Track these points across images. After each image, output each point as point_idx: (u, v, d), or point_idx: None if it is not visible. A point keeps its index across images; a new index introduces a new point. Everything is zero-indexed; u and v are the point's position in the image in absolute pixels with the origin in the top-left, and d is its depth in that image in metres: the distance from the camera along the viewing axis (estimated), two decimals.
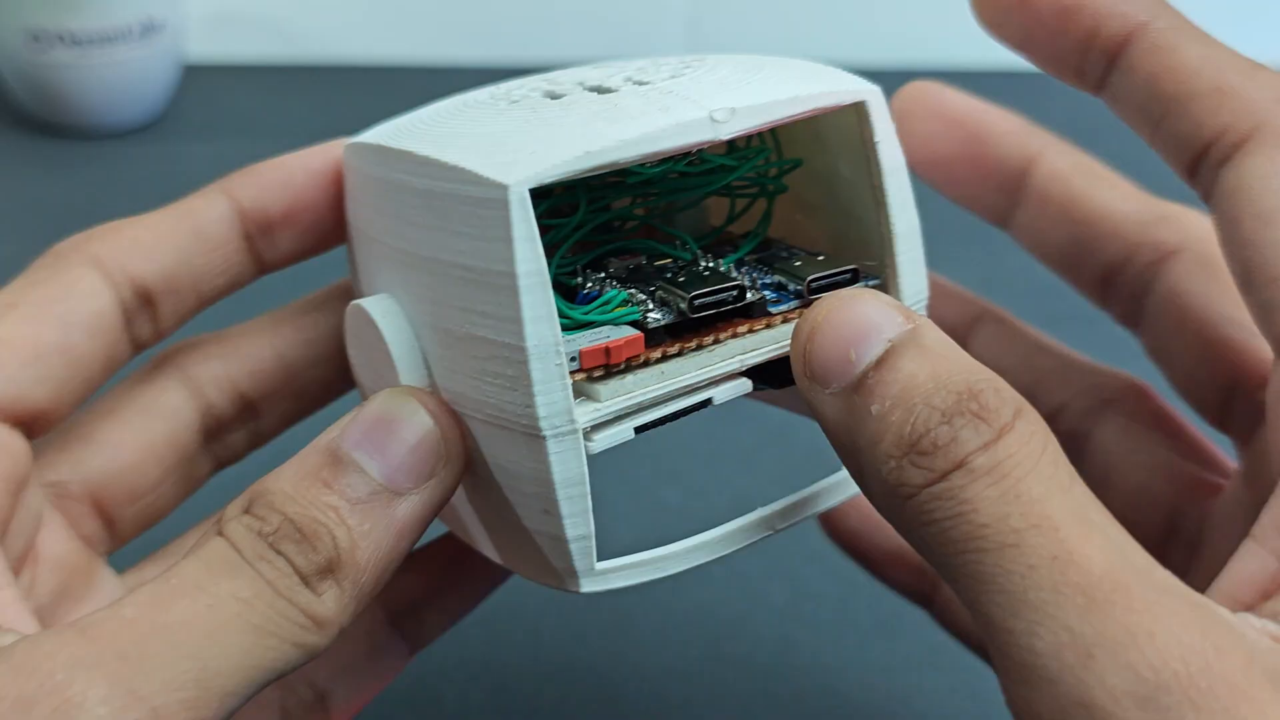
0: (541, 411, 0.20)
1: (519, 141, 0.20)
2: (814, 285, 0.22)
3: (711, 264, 0.23)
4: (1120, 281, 0.26)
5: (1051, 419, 0.26)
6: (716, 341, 0.22)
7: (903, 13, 0.74)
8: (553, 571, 0.22)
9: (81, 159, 0.62)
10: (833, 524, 0.29)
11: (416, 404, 0.21)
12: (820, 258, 0.23)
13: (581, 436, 0.20)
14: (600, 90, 0.22)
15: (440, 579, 0.27)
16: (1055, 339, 0.28)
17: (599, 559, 0.21)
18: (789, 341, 0.21)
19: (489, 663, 0.34)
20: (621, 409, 0.21)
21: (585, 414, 0.20)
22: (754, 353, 0.22)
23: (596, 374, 0.21)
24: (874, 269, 0.23)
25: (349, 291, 0.26)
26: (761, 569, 0.37)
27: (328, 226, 0.25)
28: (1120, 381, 0.27)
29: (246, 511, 0.20)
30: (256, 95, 0.69)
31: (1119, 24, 0.22)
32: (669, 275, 0.23)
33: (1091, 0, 0.22)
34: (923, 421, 0.18)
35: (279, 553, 0.19)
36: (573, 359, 0.20)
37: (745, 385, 0.22)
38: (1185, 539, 0.25)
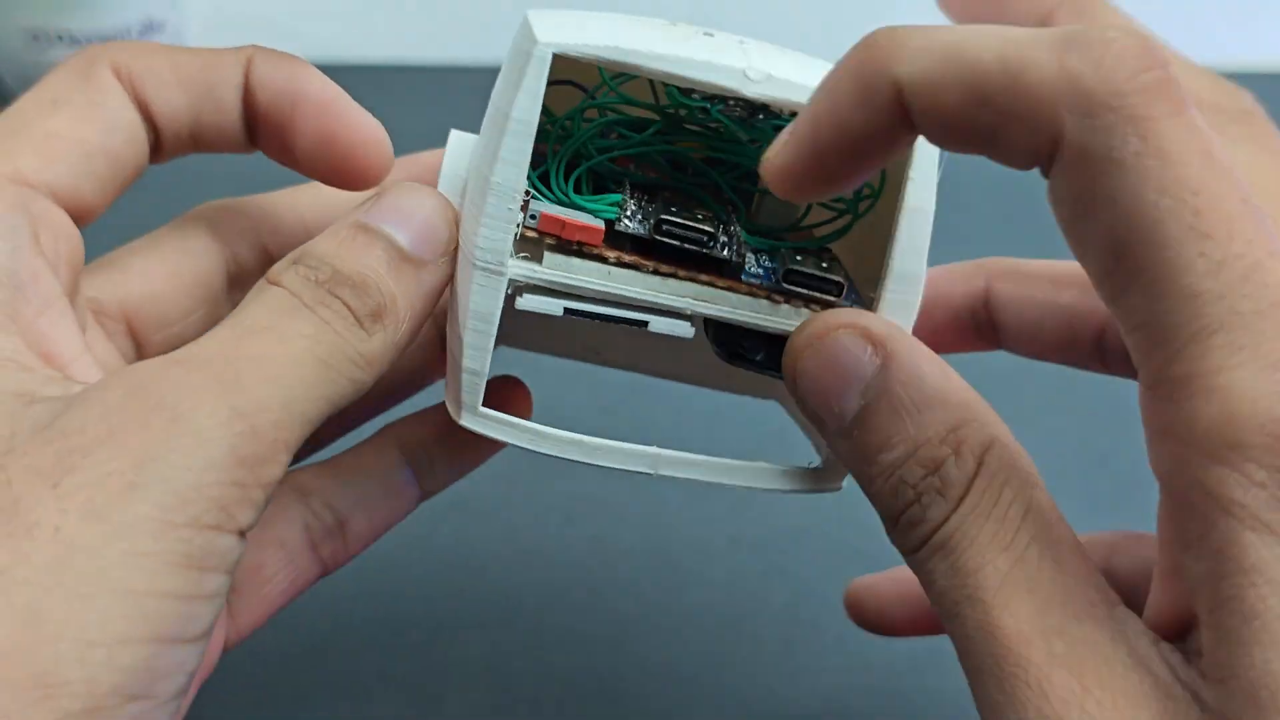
0: (481, 243, 0.22)
1: (595, 32, 0.22)
2: (789, 275, 0.23)
3: (732, 229, 0.24)
4: (1112, 344, 0.28)
5: (1101, 337, 0.28)
6: (674, 275, 0.23)
7: (904, 14, 0.74)
8: (453, 399, 0.23)
9: None
10: (856, 612, 0.31)
11: (425, 191, 0.23)
12: (825, 265, 0.23)
13: (506, 281, 0.22)
14: (710, 35, 0.23)
15: (447, 432, 0.28)
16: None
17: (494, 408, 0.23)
18: (745, 312, 0.23)
19: (489, 662, 0.34)
20: (559, 283, 0.22)
21: (520, 267, 0.22)
22: (707, 304, 0.23)
23: (550, 243, 0.22)
24: (871, 300, 0.23)
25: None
26: (761, 569, 0.37)
27: (321, 168, 0.26)
28: None
29: (295, 263, 0.22)
30: None
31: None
32: (673, 207, 0.23)
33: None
34: (902, 500, 0.21)
35: (336, 296, 0.21)
36: (533, 216, 0.22)
37: (685, 328, 0.23)
38: None
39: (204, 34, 0.68)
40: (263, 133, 0.25)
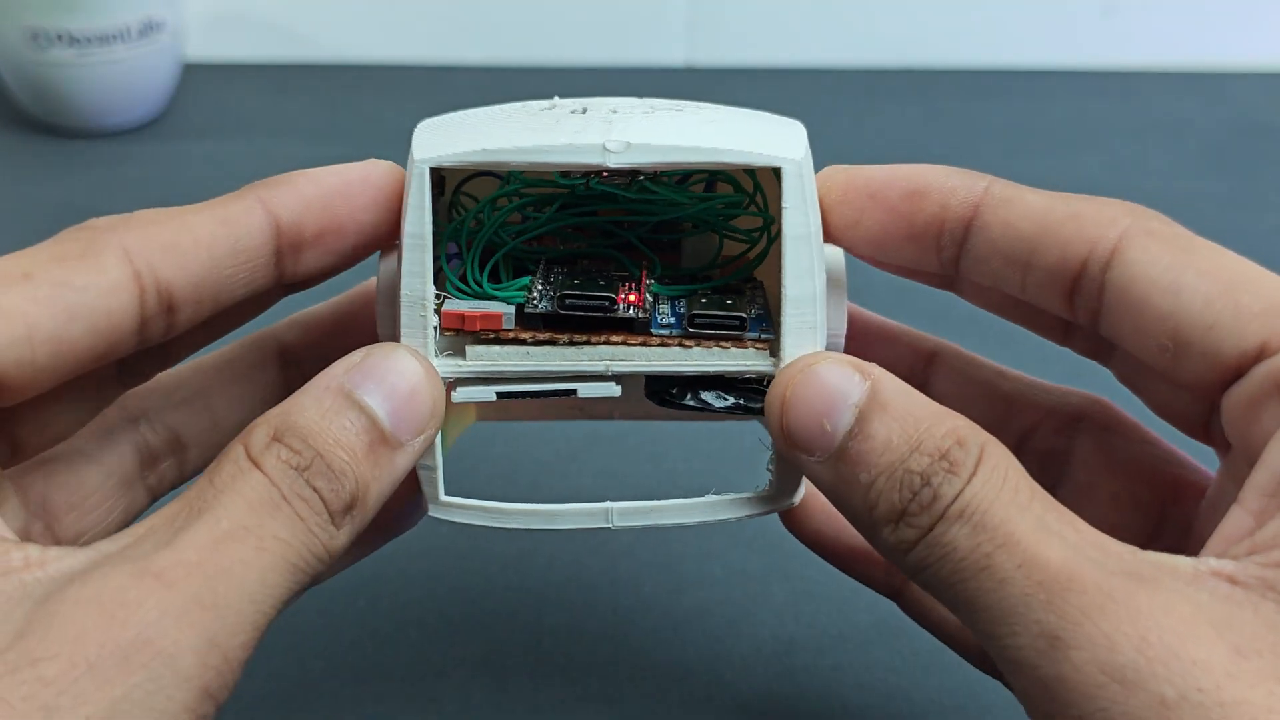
0: None
1: (471, 133, 0.24)
2: (693, 320, 0.25)
3: (619, 283, 0.25)
4: (1033, 448, 0.28)
5: (1025, 439, 0.28)
6: (588, 343, 0.24)
7: (903, 13, 0.74)
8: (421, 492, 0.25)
9: (81, 159, 0.62)
10: (797, 525, 0.30)
11: (412, 358, 0.23)
12: (729, 301, 0.25)
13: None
14: (582, 111, 0.25)
15: None
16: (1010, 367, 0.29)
17: (460, 496, 0.25)
18: (660, 361, 0.24)
19: (489, 662, 0.34)
20: (484, 372, 0.24)
21: (446, 366, 0.24)
22: (624, 362, 0.24)
23: (470, 336, 0.24)
24: (768, 325, 0.25)
25: (268, 343, 0.29)
26: (762, 569, 0.37)
27: (353, 247, 0.25)
28: (1083, 398, 0.28)
29: (277, 440, 0.21)
30: (256, 95, 0.69)
31: (964, 194, 0.24)
32: (579, 279, 0.25)
33: (934, 181, 0.24)
34: (908, 488, 0.21)
35: (314, 489, 0.21)
36: (437, 315, 0.24)
37: (612, 388, 0.25)
38: (1176, 534, 0.26)
39: (204, 34, 0.68)
40: (301, 255, 0.25)
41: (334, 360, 0.25)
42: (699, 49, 0.73)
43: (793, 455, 0.23)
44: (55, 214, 0.57)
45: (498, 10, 0.73)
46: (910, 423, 0.22)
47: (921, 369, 0.30)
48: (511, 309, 0.24)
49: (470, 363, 0.24)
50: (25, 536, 0.25)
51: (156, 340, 0.24)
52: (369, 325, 0.27)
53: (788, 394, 0.23)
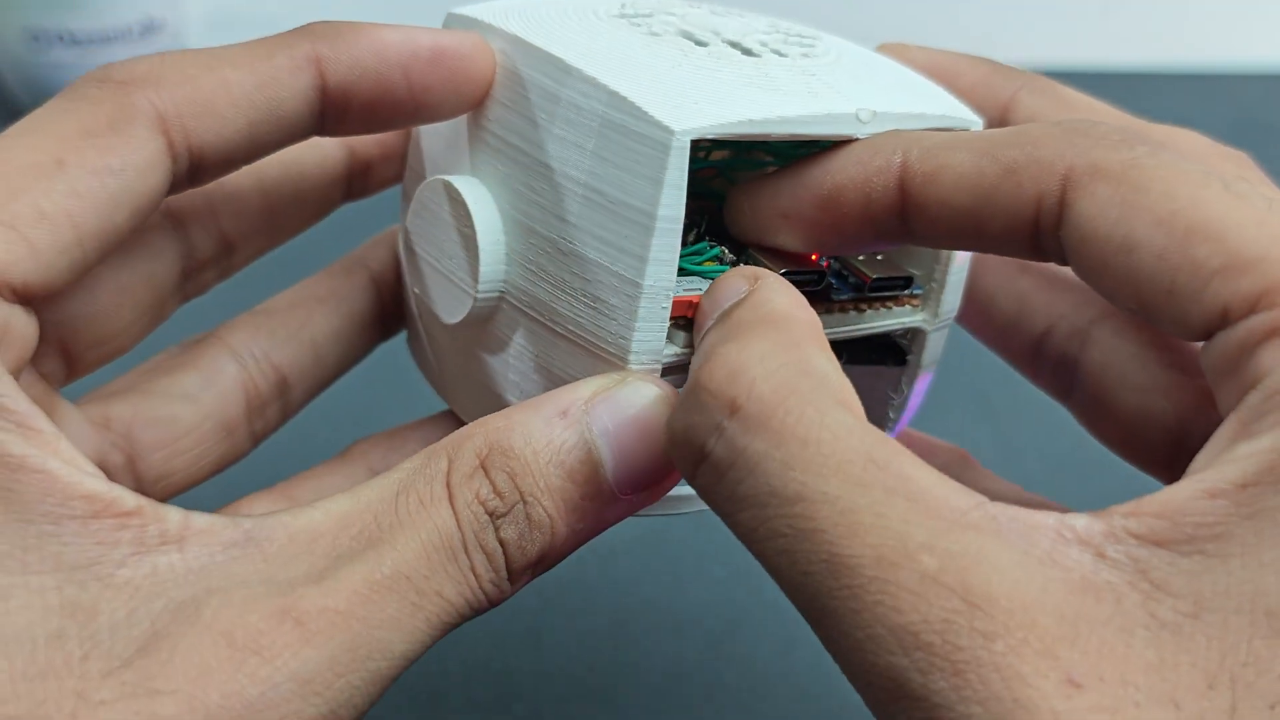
0: (635, 346, 0.21)
1: (683, 88, 0.21)
2: (875, 283, 0.24)
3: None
4: (1048, 351, 0.26)
5: (1040, 341, 0.26)
6: None
7: (903, 13, 0.74)
8: None
9: None
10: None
11: (660, 399, 0.20)
12: (879, 258, 0.25)
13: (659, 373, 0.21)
14: (742, 49, 0.23)
15: None
16: None
17: None
18: (848, 327, 0.23)
19: (489, 663, 0.34)
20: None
21: (668, 354, 0.21)
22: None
23: (680, 321, 0.22)
24: (923, 279, 0.25)
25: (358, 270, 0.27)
26: (762, 569, 0.37)
27: (403, 117, 0.23)
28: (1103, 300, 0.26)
29: (483, 469, 0.19)
30: None
31: (882, 179, 0.21)
32: (761, 251, 0.24)
33: (844, 179, 0.22)
34: (675, 418, 0.18)
35: (500, 541, 0.19)
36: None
37: None
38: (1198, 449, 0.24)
39: (204, 34, 0.68)
40: (347, 117, 0.22)
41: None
42: None
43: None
44: None
45: None
46: (726, 329, 0.19)
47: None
48: None
49: (686, 349, 0.22)
50: (100, 465, 0.22)
51: (183, 199, 0.23)
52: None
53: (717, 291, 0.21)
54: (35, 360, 0.22)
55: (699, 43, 0.23)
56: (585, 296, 0.21)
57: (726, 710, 0.33)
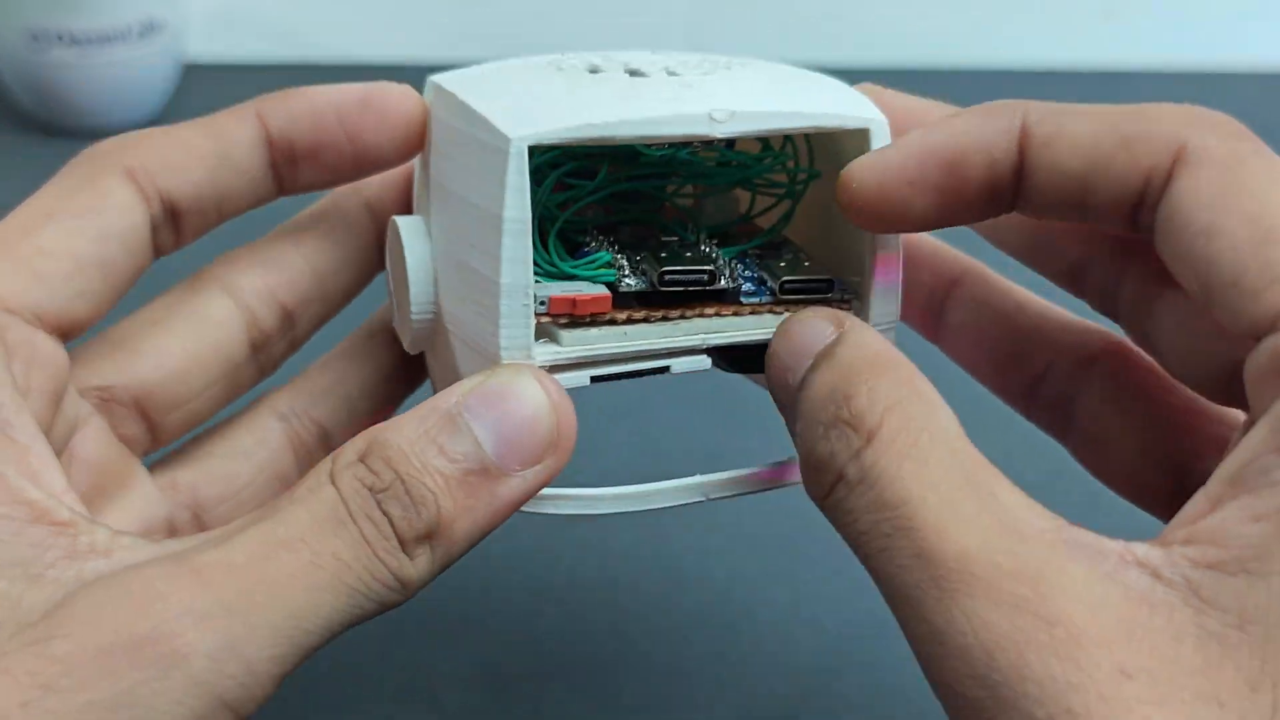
0: (503, 342, 0.22)
1: (543, 104, 0.22)
2: (786, 286, 0.24)
3: (707, 249, 0.25)
4: (1044, 391, 0.27)
5: (1038, 382, 0.27)
6: (682, 317, 0.23)
7: (902, 13, 0.74)
8: None
9: None
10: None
11: (537, 385, 0.22)
12: (806, 263, 0.25)
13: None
14: (634, 73, 0.24)
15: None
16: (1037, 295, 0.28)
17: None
18: (754, 331, 0.24)
19: (489, 663, 0.34)
20: (581, 357, 0.23)
21: (545, 353, 0.23)
22: (718, 334, 0.24)
23: (563, 321, 0.23)
24: (856, 285, 0.25)
25: (353, 200, 0.28)
26: (762, 569, 0.37)
27: (347, 163, 0.25)
28: (1102, 338, 0.27)
29: (361, 460, 0.21)
30: (256, 95, 0.69)
31: (1006, 145, 0.22)
32: (659, 250, 0.24)
33: (971, 143, 0.23)
34: (813, 437, 0.20)
35: (385, 513, 0.20)
36: (542, 303, 0.23)
37: (704, 362, 0.24)
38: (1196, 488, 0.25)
39: (204, 34, 0.68)
40: (296, 167, 0.25)
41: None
42: (699, 49, 0.73)
43: (780, 412, 0.22)
44: None
45: (498, 11, 0.73)
46: (843, 371, 0.21)
47: (940, 297, 0.28)
48: (605, 291, 0.23)
49: (567, 349, 0.23)
50: (169, 526, 0.25)
51: (170, 248, 0.25)
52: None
53: (771, 349, 0.22)
54: (114, 423, 0.25)
55: (594, 71, 0.24)
56: (473, 303, 0.23)
57: (727, 710, 0.33)
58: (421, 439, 0.21)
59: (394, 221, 0.25)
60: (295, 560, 0.19)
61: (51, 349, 0.23)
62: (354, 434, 0.28)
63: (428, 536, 0.21)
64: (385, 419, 0.28)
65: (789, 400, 0.22)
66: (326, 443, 0.28)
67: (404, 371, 0.29)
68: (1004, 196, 0.23)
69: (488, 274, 0.22)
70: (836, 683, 0.34)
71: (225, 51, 0.71)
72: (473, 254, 0.23)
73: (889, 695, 0.34)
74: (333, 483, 0.20)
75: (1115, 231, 0.23)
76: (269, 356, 0.27)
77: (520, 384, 0.22)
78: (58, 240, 0.23)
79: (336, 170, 0.26)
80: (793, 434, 0.22)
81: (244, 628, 0.19)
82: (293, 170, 0.25)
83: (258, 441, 0.27)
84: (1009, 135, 0.22)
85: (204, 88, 0.68)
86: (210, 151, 0.24)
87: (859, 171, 0.23)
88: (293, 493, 0.21)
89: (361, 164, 0.25)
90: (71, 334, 0.24)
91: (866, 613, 0.36)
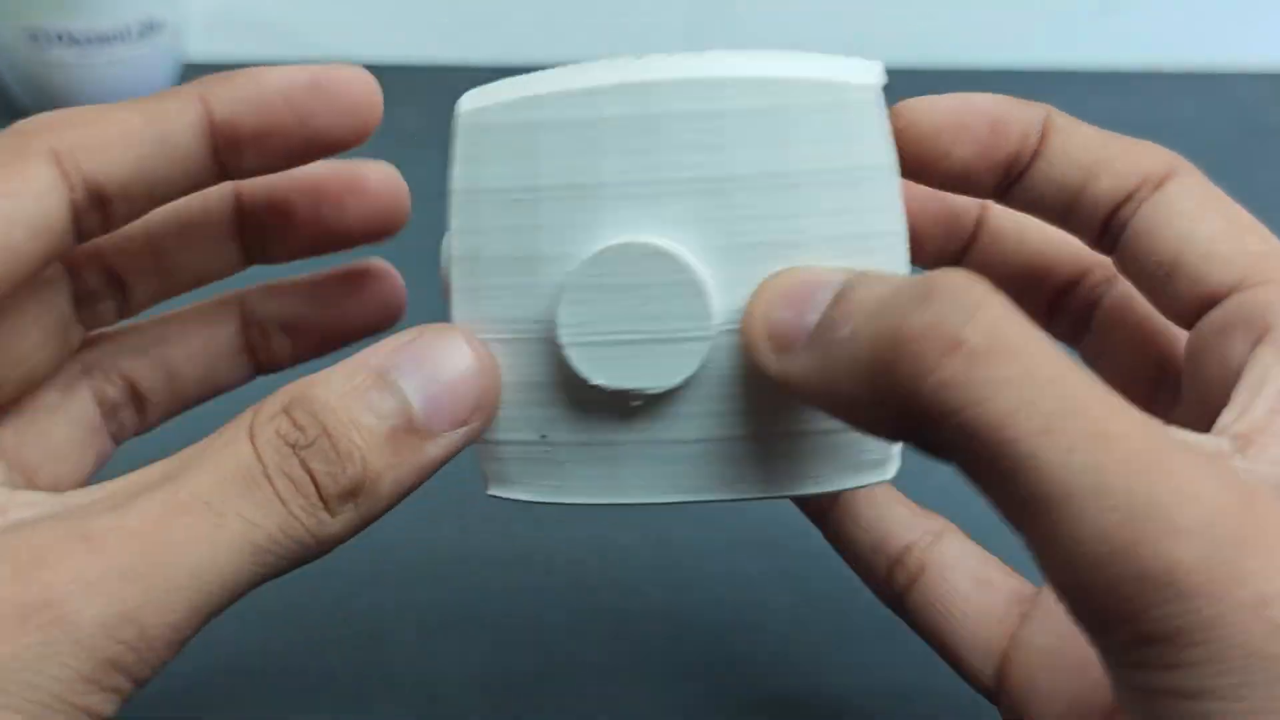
0: (455, 316, 0.23)
1: (525, 84, 0.23)
2: None
3: None
4: (1067, 304, 0.28)
5: (1059, 296, 0.28)
6: None
7: (903, 12, 0.74)
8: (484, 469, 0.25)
9: None
10: (830, 517, 0.29)
11: (464, 345, 0.22)
12: None
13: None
14: (633, 58, 0.24)
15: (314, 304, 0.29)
16: None
17: None
18: None
19: (489, 663, 0.34)
20: None
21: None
22: None
23: None
24: None
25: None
26: (762, 569, 0.37)
27: (296, 148, 0.24)
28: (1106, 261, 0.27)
29: (285, 412, 0.20)
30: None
31: (1037, 123, 0.24)
32: None
33: (1012, 111, 0.24)
34: (897, 315, 0.18)
35: (308, 470, 0.20)
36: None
37: None
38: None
39: (204, 34, 0.68)
40: (241, 153, 0.24)
41: (297, 326, 0.27)
42: (699, 49, 0.73)
43: (770, 361, 0.21)
44: None
45: (497, 10, 0.73)
46: (898, 280, 0.19)
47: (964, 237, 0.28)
48: None
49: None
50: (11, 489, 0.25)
51: (97, 232, 0.24)
52: (337, 300, 0.27)
53: (769, 286, 0.22)
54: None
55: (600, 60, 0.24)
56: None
57: (728, 710, 0.33)
58: (350, 394, 0.20)
59: (642, 245, 0.23)
60: (197, 523, 0.19)
61: None
62: (169, 402, 0.28)
63: (352, 494, 0.20)
64: (212, 395, 0.28)
65: (799, 330, 0.20)
66: (138, 403, 0.27)
67: (241, 358, 0.28)
68: (1014, 172, 0.24)
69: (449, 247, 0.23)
70: (837, 682, 0.34)
71: (225, 51, 0.71)
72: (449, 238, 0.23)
73: (889, 695, 0.34)
74: (250, 439, 0.20)
75: (1087, 234, 0.25)
76: (95, 316, 0.27)
77: (450, 342, 0.22)
78: None
79: (284, 156, 0.24)
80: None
81: (140, 594, 0.18)
82: (237, 156, 0.24)
83: (63, 395, 0.26)
84: (1039, 117, 0.24)
85: None
86: (147, 135, 0.23)
87: (913, 108, 0.24)
88: (202, 447, 0.20)
89: (311, 149, 0.24)
90: None
91: (867, 612, 0.36)
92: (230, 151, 0.24)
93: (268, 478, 0.20)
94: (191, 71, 0.68)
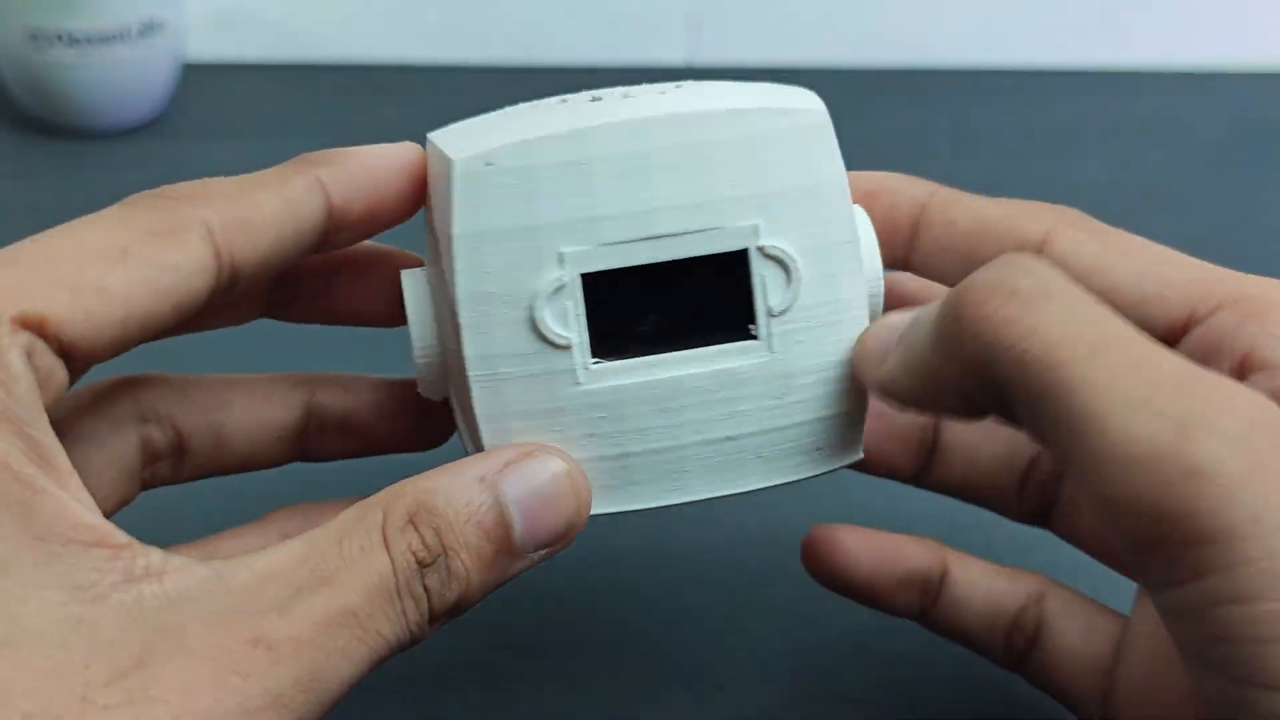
0: (467, 351, 0.24)
1: (502, 132, 0.24)
2: None
3: None
4: (1028, 492, 0.30)
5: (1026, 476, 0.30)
6: None
7: (903, 12, 0.74)
8: None
9: (81, 159, 0.62)
10: (815, 562, 0.30)
11: (566, 473, 0.23)
12: None
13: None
14: (596, 99, 0.25)
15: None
16: None
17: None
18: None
19: (489, 663, 0.34)
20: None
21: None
22: None
23: None
24: None
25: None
26: (762, 568, 0.37)
27: (383, 228, 0.26)
28: None
29: (412, 522, 0.21)
30: (256, 95, 0.69)
31: (911, 195, 0.27)
32: None
33: (885, 184, 0.27)
34: (963, 286, 0.21)
35: (425, 588, 0.21)
36: None
37: None
38: None
39: (204, 34, 0.69)
40: (340, 234, 0.25)
41: (351, 426, 0.28)
42: (699, 49, 0.73)
43: (870, 376, 0.24)
44: (55, 214, 0.56)
45: (498, 11, 0.73)
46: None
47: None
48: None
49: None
50: None
51: (221, 306, 0.25)
52: (394, 412, 0.29)
53: (863, 337, 0.25)
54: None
55: (563, 101, 0.25)
56: (451, 325, 0.24)
57: (728, 709, 0.33)
58: (466, 511, 0.22)
59: (401, 274, 0.26)
60: (349, 637, 0.20)
61: (63, 376, 0.22)
62: (208, 461, 0.28)
63: (453, 612, 0.22)
64: (244, 471, 0.29)
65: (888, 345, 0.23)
66: (178, 456, 0.28)
67: (298, 438, 0.29)
68: (899, 241, 0.27)
69: (448, 288, 0.23)
70: (837, 682, 0.34)
71: (225, 51, 0.71)
72: (447, 278, 0.24)
73: (890, 695, 0.34)
74: (386, 548, 0.21)
75: None
76: (155, 474, 0.28)
77: (558, 478, 0.23)
78: (121, 286, 0.22)
79: (371, 234, 0.26)
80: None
81: (307, 704, 0.20)
82: (334, 238, 0.25)
83: (112, 431, 0.27)
84: (915, 192, 0.27)
85: (204, 88, 0.68)
86: (285, 221, 0.24)
87: None
88: (342, 546, 0.21)
89: (386, 227, 0.26)
90: (82, 366, 0.23)
91: (868, 612, 0.36)
92: (335, 230, 0.25)
93: (398, 595, 0.21)
94: (191, 71, 0.68)
